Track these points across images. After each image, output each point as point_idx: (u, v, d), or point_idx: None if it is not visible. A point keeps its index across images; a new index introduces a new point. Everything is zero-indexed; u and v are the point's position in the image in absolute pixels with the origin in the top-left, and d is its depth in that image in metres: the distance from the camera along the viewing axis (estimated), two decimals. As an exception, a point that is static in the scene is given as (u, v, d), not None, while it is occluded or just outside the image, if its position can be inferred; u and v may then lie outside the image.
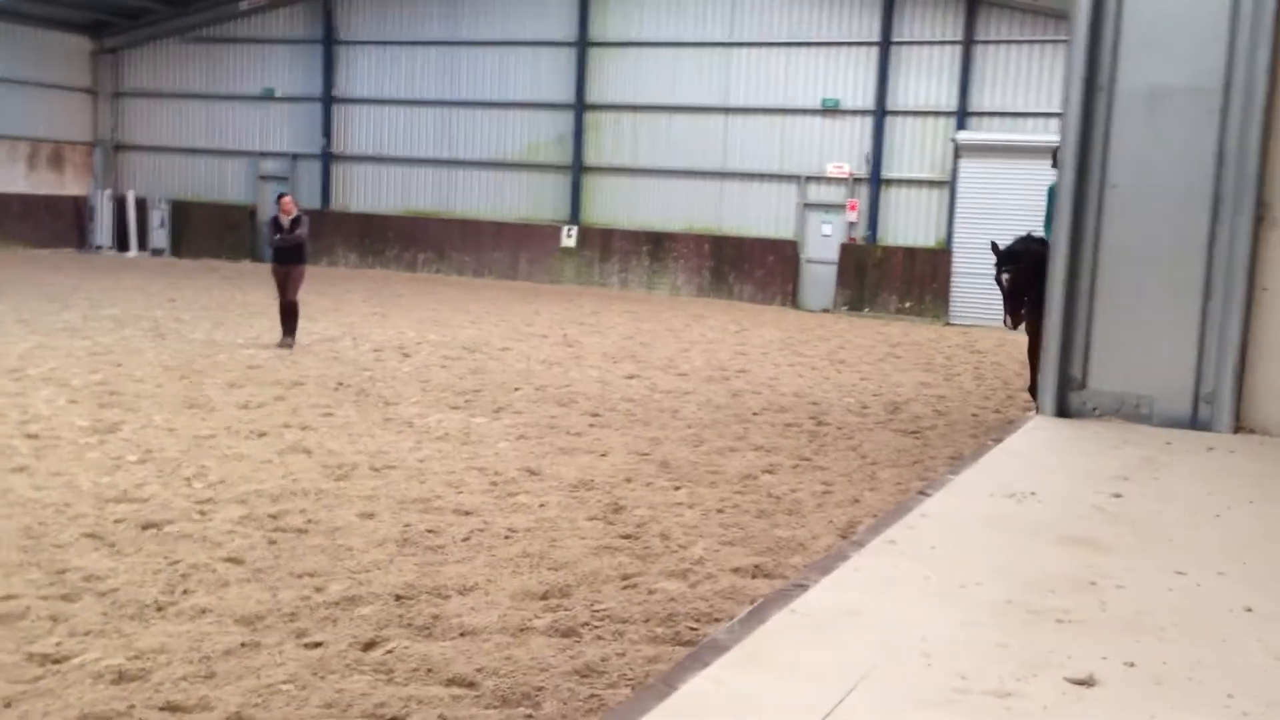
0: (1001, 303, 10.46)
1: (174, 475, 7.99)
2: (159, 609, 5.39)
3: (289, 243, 14.93)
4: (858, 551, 2.95)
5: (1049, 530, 3.46)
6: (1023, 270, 10.05)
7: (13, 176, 31.48)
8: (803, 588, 2.63)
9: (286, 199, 15.31)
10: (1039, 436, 4.92)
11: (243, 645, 5.00)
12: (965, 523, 3.50)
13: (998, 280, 10.43)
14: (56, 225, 32.05)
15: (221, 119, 32.58)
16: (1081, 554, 3.27)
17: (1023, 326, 10.51)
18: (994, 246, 10.45)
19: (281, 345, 14.74)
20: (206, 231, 31.95)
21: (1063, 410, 5.37)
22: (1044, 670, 2.40)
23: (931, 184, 25.84)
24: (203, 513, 7.09)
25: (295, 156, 31.87)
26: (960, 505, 3.66)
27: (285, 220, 15.00)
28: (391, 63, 30.51)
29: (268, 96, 32.10)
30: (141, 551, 6.24)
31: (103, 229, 31.98)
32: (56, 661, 4.72)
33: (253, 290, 22.79)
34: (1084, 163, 5.23)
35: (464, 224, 29.69)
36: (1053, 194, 10.23)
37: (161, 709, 4.34)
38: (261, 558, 6.26)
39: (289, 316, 14.97)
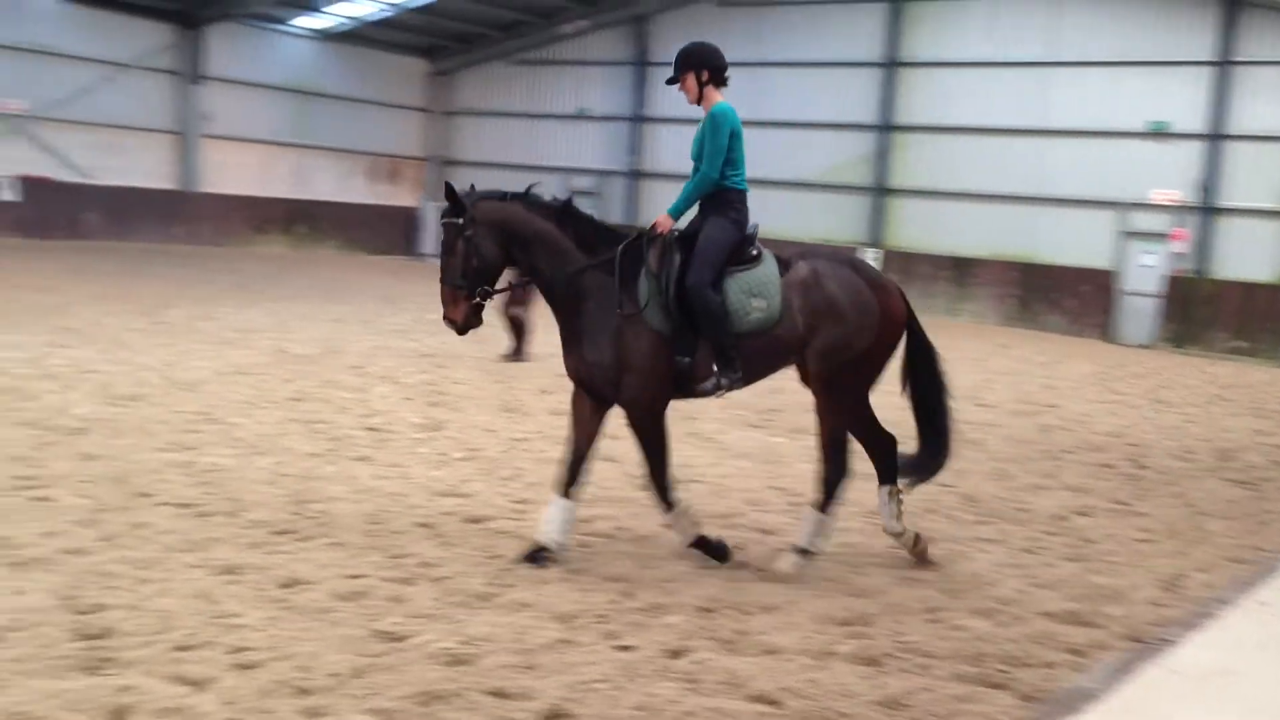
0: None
1: (493, 474, 8.48)
2: (484, 599, 5.74)
3: None
4: (1226, 610, 2.77)
5: None
6: (482, 231, 6.28)
7: (354, 188, 34.44)
8: (1169, 643, 2.50)
9: None
10: None
11: (560, 641, 5.24)
12: (1340, 588, 3.21)
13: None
14: (390, 233, 34.76)
15: (538, 136, 34.38)
16: None
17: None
18: (450, 189, 6.38)
19: (508, 358, 14.23)
20: (520, 243, 33.80)
21: None
22: None
23: (1273, 214, 23.82)
24: (521, 512, 7.49)
25: (604, 173, 33.16)
26: (1332, 569, 3.37)
27: None
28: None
29: (582, 115, 33.57)
30: (468, 544, 6.66)
31: (429, 237, 34.40)
32: (397, 640, 5.11)
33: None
34: None
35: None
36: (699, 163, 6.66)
37: (489, 694, 4.61)
38: (574, 559, 6.54)
39: (516, 332, 14.33)
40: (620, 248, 6.46)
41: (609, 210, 32.77)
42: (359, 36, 33.33)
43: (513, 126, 34.74)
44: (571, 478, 6.52)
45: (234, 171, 31.42)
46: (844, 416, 6.75)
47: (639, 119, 32.38)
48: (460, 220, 6.31)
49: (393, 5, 31.50)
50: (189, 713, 4.25)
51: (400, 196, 35.63)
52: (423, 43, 34.80)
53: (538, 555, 6.38)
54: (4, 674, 4.44)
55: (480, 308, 6.44)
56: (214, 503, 7.12)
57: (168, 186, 30.26)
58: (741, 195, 6.77)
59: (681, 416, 11.29)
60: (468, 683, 4.68)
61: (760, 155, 30.10)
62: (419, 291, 22.88)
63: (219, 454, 8.41)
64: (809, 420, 11.58)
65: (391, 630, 5.21)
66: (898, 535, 6.99)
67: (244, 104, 31.56)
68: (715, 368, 6.44)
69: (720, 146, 6.58)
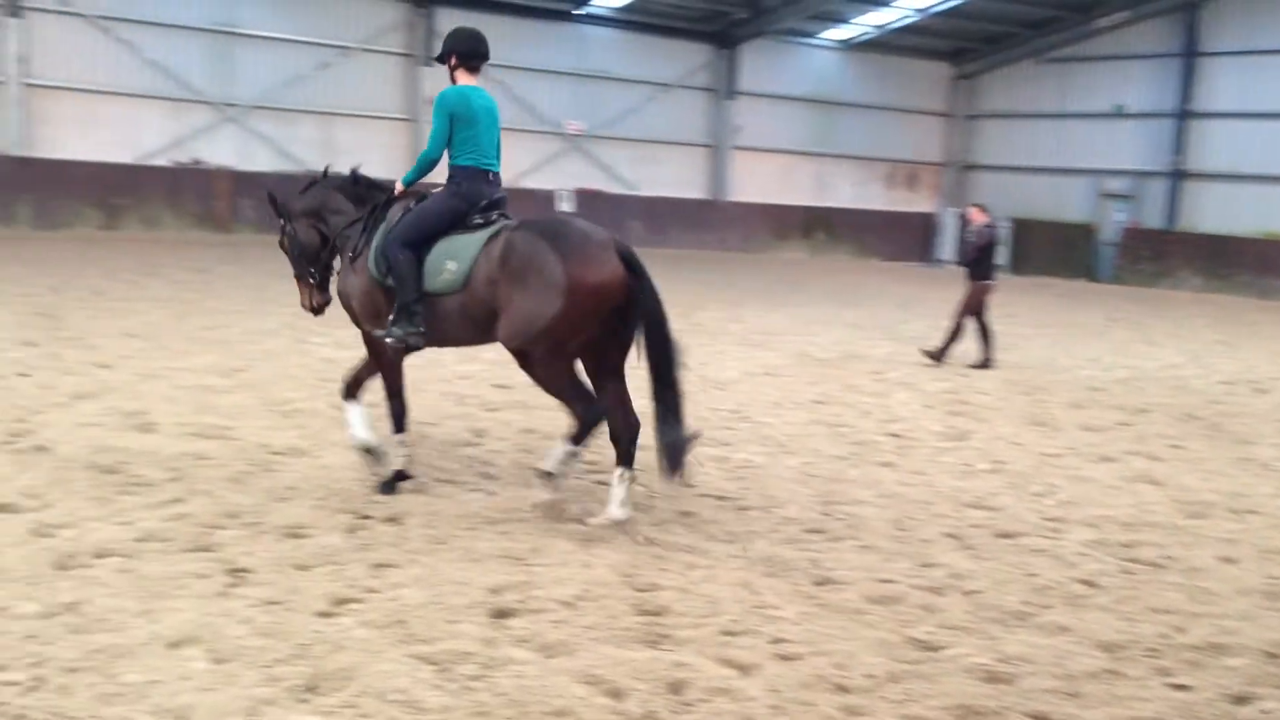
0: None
1: (1023, 489, 8.16)
2: (1019, 618, 5.53)
3: (965, 255, 14.68)
4: None
5: None
6: (297, 222, 7.53)
7: (872, 194, 34.79)
8: None
9: (973, 208, 14.89)
10: None
11: (1106, 671, 4.93)
12: None
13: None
14: (904, 240, 34.69)
15: (1067, 137, 32.67)
16: None
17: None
18: (271, 197, 7.70)
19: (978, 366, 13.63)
20: (1043, 249, 32.12)
21: None
22: None
23: None
24: (1054, 530, 7.15)
25: (1141, 174, 30.84)
26: None
27: (969, 231, 14.66)
28: (1259, 73, 28.06)
29: (1116, 113, 31.45)
30: (998, 559, 6.46)
31: (946, 244, 33.87)
32: (931, 649, 5.07)
33: (1087, 310, 22.58)
34: None
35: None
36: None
37: (1030, 716, 4.44)
38: (1116, 585, 6.13)
39: (956, 335, 13.78)
40: (377, 204, 7.23)
41: (1147, 215, 30.39)
42: (882, 44, 33.58)
43: (1039, 128, 33.30)
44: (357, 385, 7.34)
45: (758, 181, 32.93)
46: (550, 386, 6.76)
47: (1184, 115, 29.73)
48: (281, 220, 7.61)
49: (918, 10, 31.39)
50: (737, 695, 4.49)
51: (918, 203, 35.45)
52: (947, 46, 34.35)
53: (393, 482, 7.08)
54: (579, 639, 4.95)
55: (322, 285, 7.60)
56: (749, 497, 7.48)
57: (699, 196, 32.38)
58: (465, 171, 7.00)
59: (1235, 441, 10.22)
60: (1008, 702, 4.54)
61: (1264, 147, 26.76)
62: (934, 298, 22.63)
63: (751, 451, 8.83)
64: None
65: (924, 639, 5.17)
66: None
67: (770, 116, 32.95)
68: (392, 319, 6.84)
69: (437, 130, 6.97)
